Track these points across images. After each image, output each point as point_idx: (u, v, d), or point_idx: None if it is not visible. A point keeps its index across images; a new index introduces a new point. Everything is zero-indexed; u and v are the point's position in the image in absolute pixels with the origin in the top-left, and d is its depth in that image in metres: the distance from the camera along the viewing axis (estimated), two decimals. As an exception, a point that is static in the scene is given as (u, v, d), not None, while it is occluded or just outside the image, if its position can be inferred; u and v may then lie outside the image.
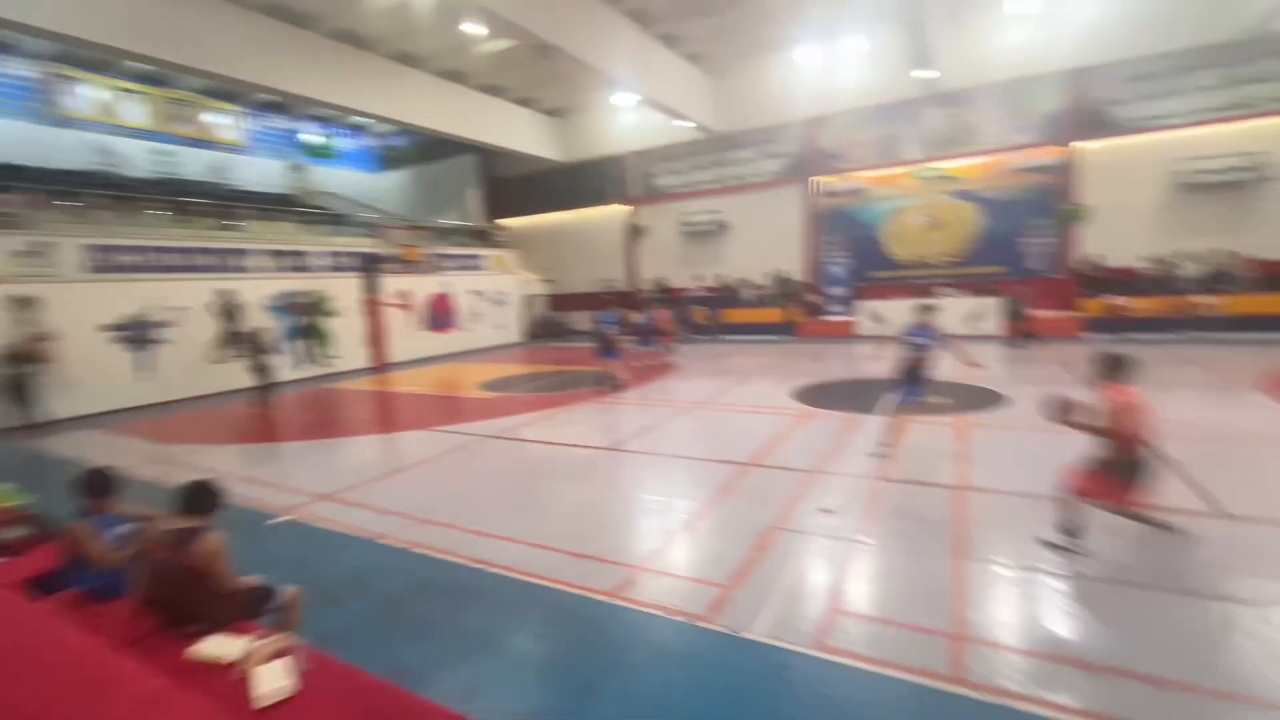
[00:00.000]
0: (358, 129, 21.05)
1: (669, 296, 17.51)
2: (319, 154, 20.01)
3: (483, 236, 19.05)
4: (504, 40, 12.57)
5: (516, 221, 20.96)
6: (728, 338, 15.87)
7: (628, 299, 18.45)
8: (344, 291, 13.30)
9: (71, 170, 13.33)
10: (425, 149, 21.03)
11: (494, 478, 5.63)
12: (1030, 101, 13.43)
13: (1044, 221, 13.63)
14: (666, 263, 18.46)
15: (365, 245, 14.40)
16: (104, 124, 14.92)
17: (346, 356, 13.25)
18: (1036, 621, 2.87)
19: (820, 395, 8.01)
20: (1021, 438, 5.94)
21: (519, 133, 18.04)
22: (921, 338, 5.69)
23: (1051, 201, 13.51)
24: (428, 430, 7.53)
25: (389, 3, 11.62)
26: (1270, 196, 11.64)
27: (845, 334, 14.40)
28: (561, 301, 20.30)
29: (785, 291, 15.98)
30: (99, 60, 13.99)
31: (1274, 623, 2.74)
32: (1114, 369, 3.50)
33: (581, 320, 19.47)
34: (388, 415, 9.33)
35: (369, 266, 13.80)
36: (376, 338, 13.76)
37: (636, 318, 12.72)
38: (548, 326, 19.55)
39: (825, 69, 14.85)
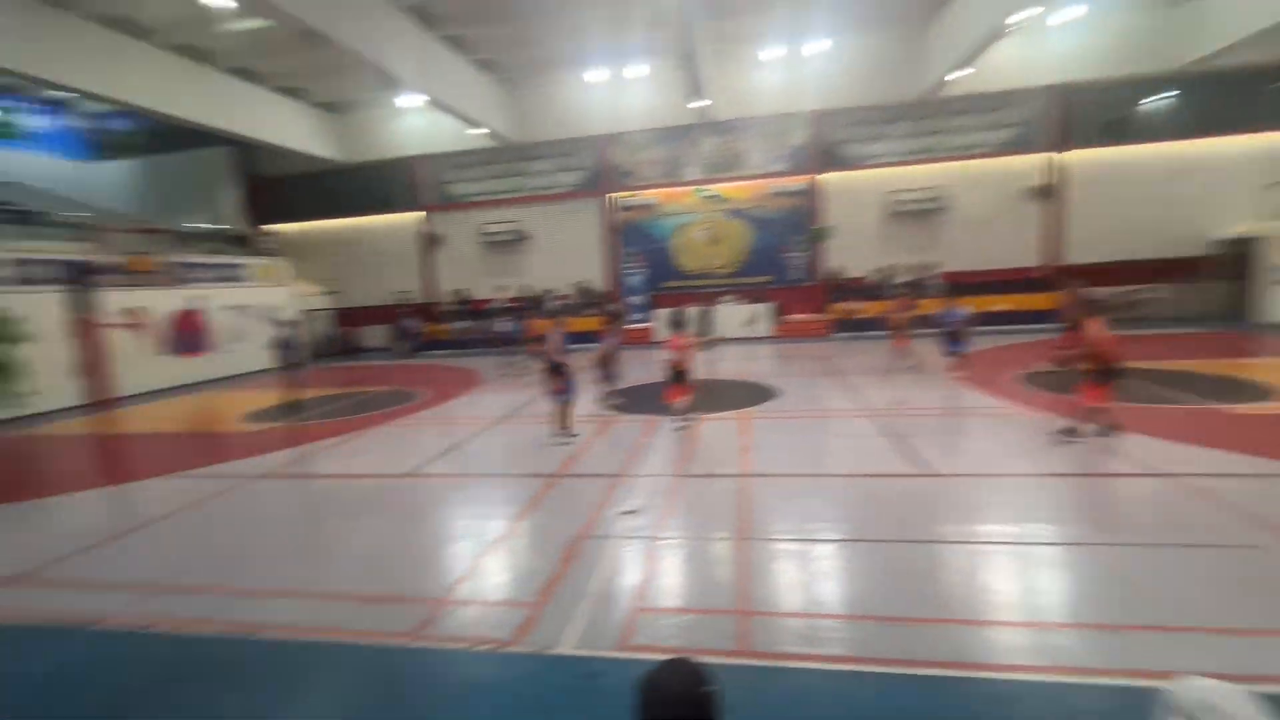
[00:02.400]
0: (55, 104, 16.72)
1: (472, 308, 16.89)
2: (3, 134, 15.49)
3: (244, 243, 16.42)
4: (257, 19, 10.98)
5: (288, 227, 18.45)
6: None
7: (426, 312, 17.38)
8: (39, 310, 10.43)
9: None
10: (160, 136, 17.34)
11: (264, 524, 4.86)
12: (784, 135, 15.65)
13: (799, 238, 15.98)
14: (468, 273, 17.78)
15: (72, 252, 11.47)
16: None
17: (47, 393, 10.39)
18: (806, 588, 3.31)
19: (622, 400, 8.36)
20: (791, 425, 6.86)
21: (285, 126, 15.95)
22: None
23: (804, 221, 15.90)
24: (173, 477, 6.23)
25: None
26: (949, 222, 15.11)
27: (645, 340, 15.27)
28: (349, 316, 18.39)
29: (589, 301, 16.42)
30: None
31: (970, 555, 3.52)
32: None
33: (374, 335, 17.86)
34: (115, 463, 7.53)
35: (79, 278, 11.04)
36: (93, 367, 11.05)
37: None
38: (332, 344, 17.57)
39: (614, 90, 15.71)
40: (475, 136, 16.14)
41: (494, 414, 8.35)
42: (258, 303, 14.81)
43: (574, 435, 6.61)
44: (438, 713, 2.51)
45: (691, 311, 11.77)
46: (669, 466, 5.51)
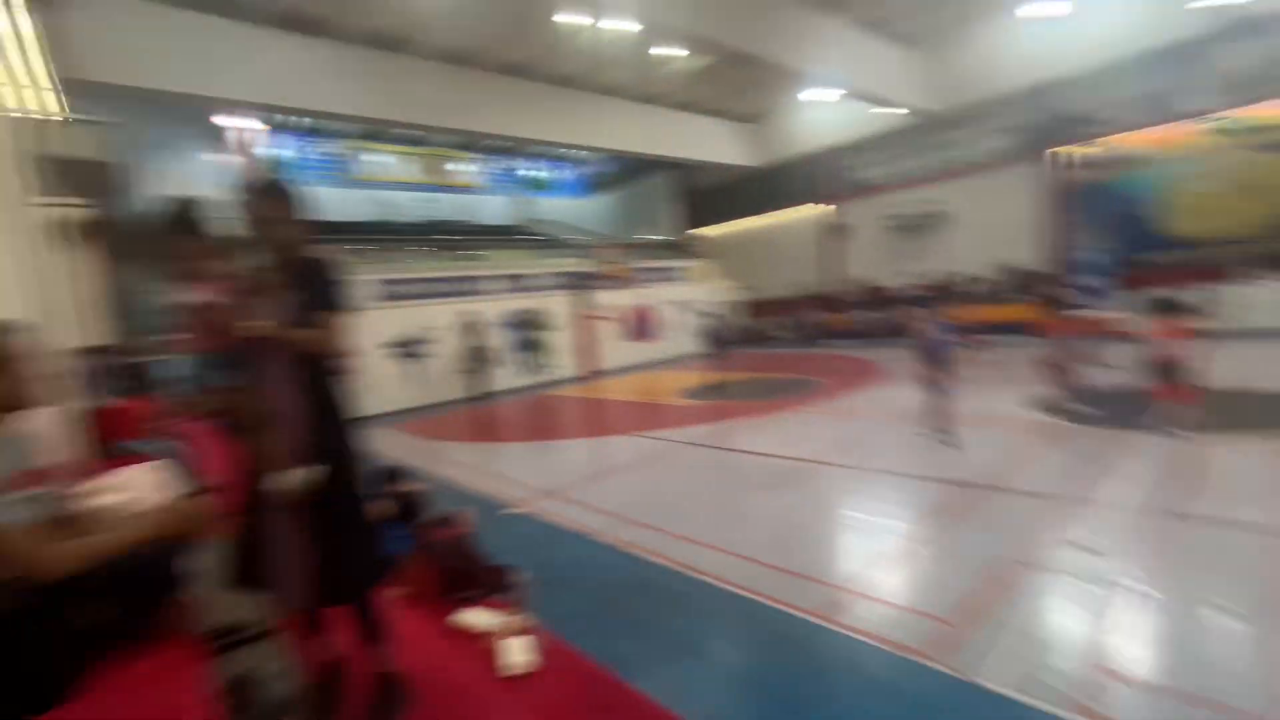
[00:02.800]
0: (570, 160, 23.39)
1: (874, 297, 16.34)
2: (539, 187, 22.66)
3: (681, 248, 19.77)
4: (697, 58, 12.97)
5: (713, 231, 21.36)
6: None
7: (828, 301, 17.66)
8: (560, 307, 14.84)
9: (360, 221, 16.94)
10: (627, 171, 22.58)
11: (696, 484, 5.79)
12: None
13: None
14: (872, 261, 17.24)
15: (577, 265, 15.90)
16: (382, 182, 18.70)
17: (562, 366, 14.75)
18: None
19: (1081, 406, 6.77)
20: (1397, 469, 4.36)
21: (712, 144, 18.41)
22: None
23: None
24: (632, 435, 8.03)
25: (589, 44, 12.73)
26: None
27: (1099, 332, 11.97)
28: (759, 307, 20.15)
29: (1019, 284, 13.84)
30: (378, 132, 17.62)
31: None
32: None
33: (780, 325, 19.14)
34: (597, 420, 10.15)
35: (580, 284, 15.19)
36: (586, 348, 15.07)
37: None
38: (746, 333, 19.54)
39: (1062, 21, 12.62)
40: (885, 118, 15.43)
41: (896, 408, 7.91)
42: (690, 298, 17.73)
43: (947, 434, 5.82)
44: (842, 697, 2.55)
45: (1190, 293, 8.68)
46: (1151, 496, 4.22)
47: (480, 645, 2.16)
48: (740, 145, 19.16)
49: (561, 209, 22.89)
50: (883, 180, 16.91)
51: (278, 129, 15.91)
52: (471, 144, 19.75)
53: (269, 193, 1.69)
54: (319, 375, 1.71)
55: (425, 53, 12.17)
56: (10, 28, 5.42)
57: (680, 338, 17.40)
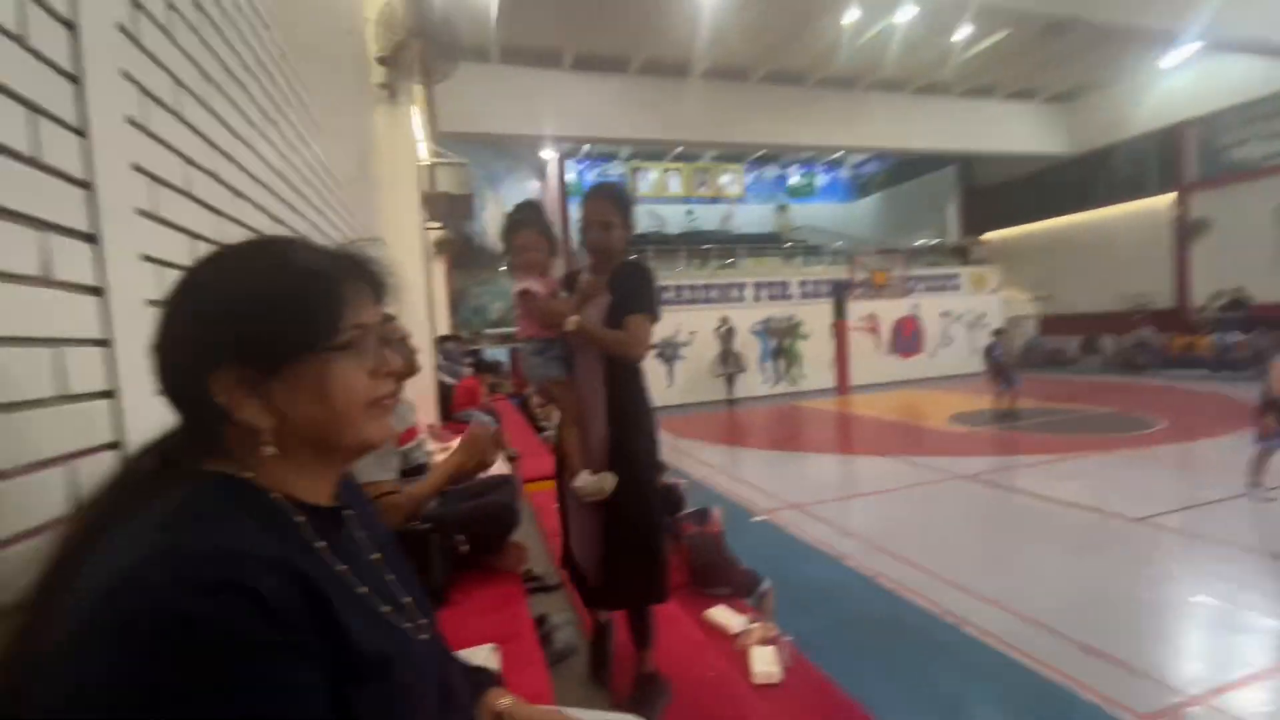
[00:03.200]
0: (834, 164, 22.50)
1: (1248, 315, 12.28)
2: (800, 193, 22.29)
3: (959, 254, 17.51)
4: (999, 37, 11.31)
5: (999, 234, 18.43)
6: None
7: (1169, 319, 13.81)
8: (814, 316, 14.38)
9: (638, 234, 18.72)
10: (897, 171, 20.82)
11: (962, 523, 5.08)
12: None
13: None
14: (1249, 268, 12.96)
15: (836, 273, 15.22)
16: (657, 197, 20.40)
17: (812, 376, 14.27)
18: None
19: None
20: None
21: (1010, 132, 15.81)
22: None
23: None
24: (886, 457, 7.38)
25: (869, 42, 12.02)
26: None
27: None
28: (1055, 324, 16.77)
29: None
30: (656, 152, 19.26)
31: None
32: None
33: (1090, 346, 15.64)
34: (848, 436, 9.58)
35: (838, 292, 14.53)
36: (840, 360, 14.34)
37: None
38: (1036, 353, 16.46)
39: None
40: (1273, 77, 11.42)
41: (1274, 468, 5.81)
42: (966, 310, 15.61)
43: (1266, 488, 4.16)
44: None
45: None
46: None
47: (731, 647, 2.22)
48: (1045, 131, 16.10)
49: (823, 214, 22.13)
50: (1269, 160, 12.58)
51: (575, 157, 18.55)
52: (740, 156, 20.36)
53: (607, 195, 1.80)
54: (624, 376, 1.74)
55: (700, 73, 12.93)
56: (424, 98, 7.35)
57: (952, 354, 15.46)
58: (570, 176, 18.04)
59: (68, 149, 0.77)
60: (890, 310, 15.07)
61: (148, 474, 0.56)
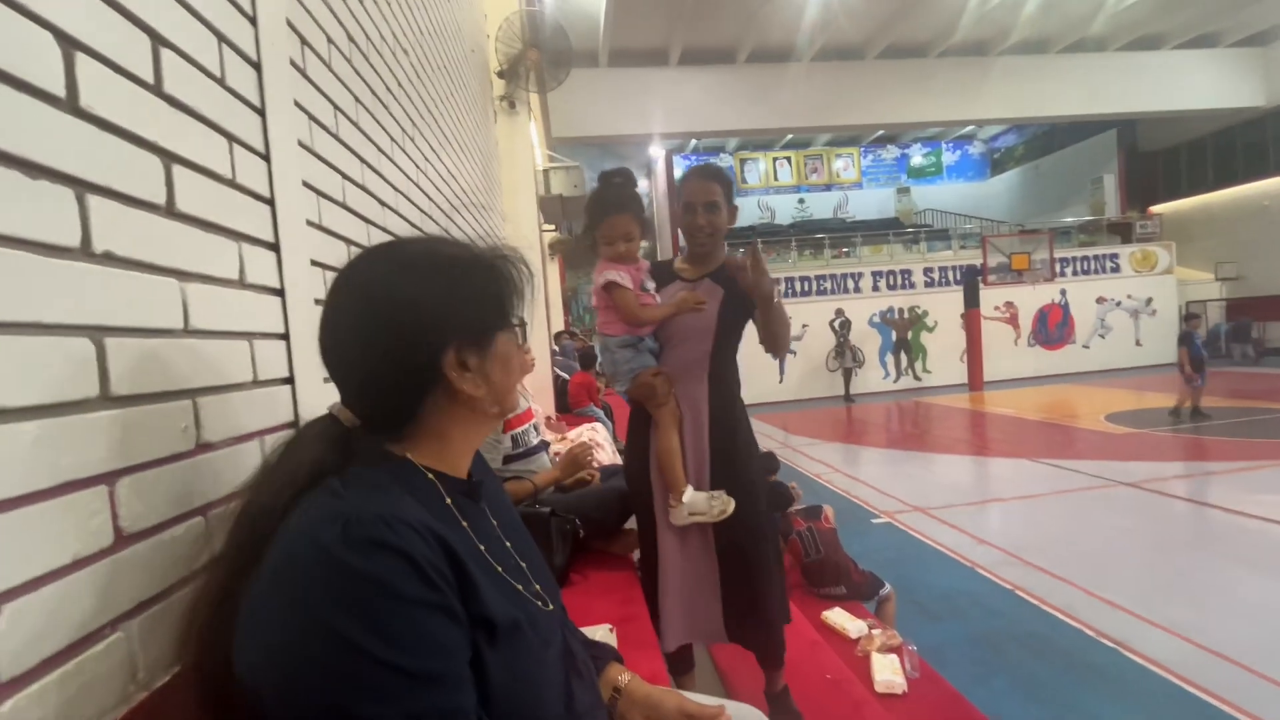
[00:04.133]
0: (964, 139, 20.63)
1: None
2: (924, 174, 20.69)
3: (1120, 230, 15.38)
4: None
5: (1172, 206, 15.93)
6: None
7: None
8: (942, 306, 13.31)
9: (746, 226, 18.38)
10: (1041, 141, 18.64)
11: (1123, 536, 4.47)
12: None
13: None
14: None
15: (967, 258, 13.97)
16: (765, 188, 19.89)
17: (941, 371, 13.23)
18: None
19: None
20: None
21: (1186, 87, 13.59)
22: None
23: None
24: (1029, 460, 6.67)
25: (1002, 3, 10.88)
26: None
27: None
28: (1248, 307, 14.19)
29: None
30: (765, 141, 18.77)
31: None
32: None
33: (1292, 335, 13.12)
34: (981, 436, 8.78)
35: (970, 279, 13.34)
36: (973, 353, 13.17)
37: None
38: (1229, 341, 14.02)
39: None
40: None
41: None
42: (1128, 293, 13.69)
43: None
44: None
45: None
46: None
47: (852, 652, 2.13)
48: (1232, 82, 13.64)
49: (951, 196, 20.39)
50: None
51: (682, 152, 18.57)
52: (855, 139, 19.32)
53: (712, 175, 1.63)
54: (730, 378, 1.62)
55: (810, 56, 12.41)
56: (539, 106, 7.75)
57: (1108, 345, 13.65)
58: (678, 172, 18.11)
59: (257, 171, 0.90)
60: (1033, 298, 13.58)
61: (330, 456, 0.62)
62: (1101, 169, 17.10)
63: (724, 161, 19.43)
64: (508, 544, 0.71)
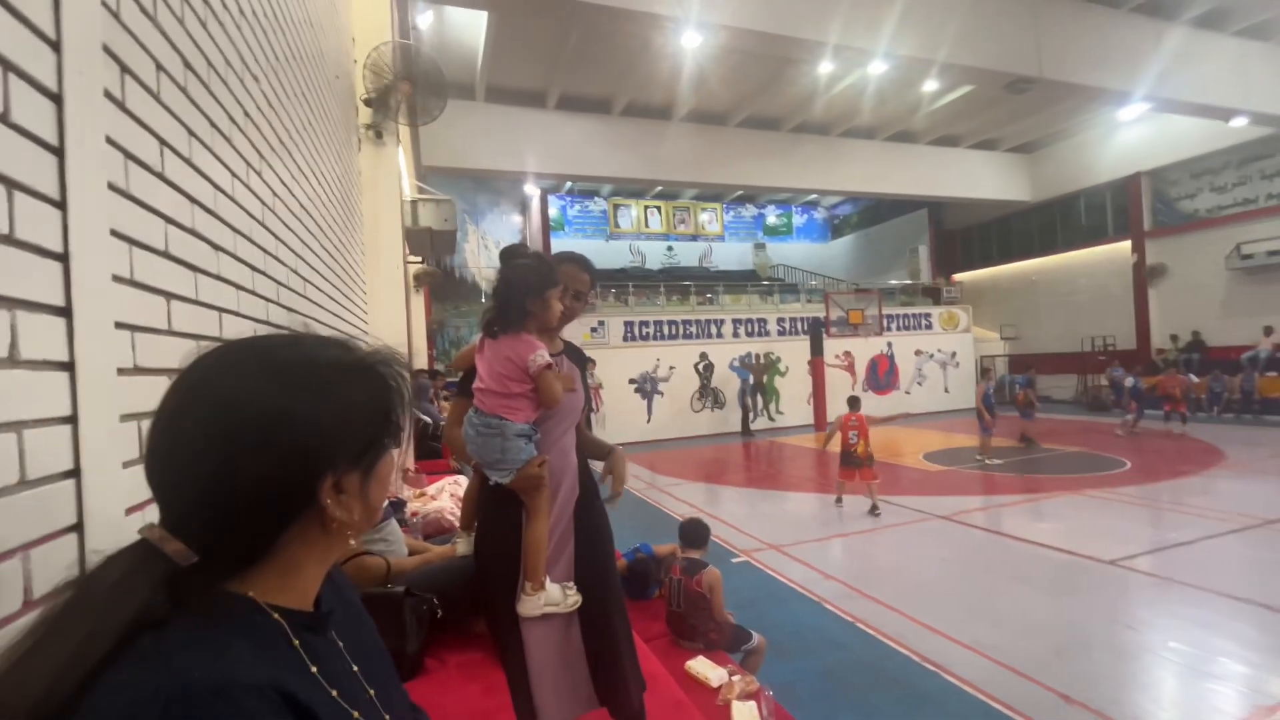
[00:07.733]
0: (809, 205, 23.11)
1: (1204, 357, 12.77)
2: (777, 232, 22.80)
3: (931, 294, 17.99)
4: (959, 91, 11.90)
5: (969, 276, 19.04)
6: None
7: (1135, 359, 14.29)
8: (792, 353, 14.56)
9: (616, 269, 18.89)
10: (871, 213, 21.49)
11: (939, 565, 5.09)
12: None
13: None
14: (1202, 312, 13.58)
15: (814, 310, 15.50)
16: (637, 233, 20.67)
17: (790, 413, 14.36)
18: None
19: None
20: None
21: (977, 180, 16.54)
22: None
23: None
24: (865, 496, 7.40)
25: (843, 92, 12.51)
26: None
27: None
28: (1024, 363, 17.16)
29: None
30: (637, 189, 19.61)
31: None
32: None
33: (1057, 385, 16.06)
34: (825, 474, 9.59)
35: (814, 330, 14.76)
36: (818, 397, 14.48)
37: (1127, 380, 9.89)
38: (1006, 393, 16.79)
39: None
40: (1218, 132, 12.20)
41: (1243, 506, 5.97)
42: (936, 348, 15.97)
43: None
44: None
45: None
46: None
47: (712, 700, 2.17)
48: (1008, 179, 16.87)
49: (799, 254, 22.62)
50: (1217, 211, 13.31)
51: (557, 192, 18.77)
52: (719, 195, 20.81)
53: (589, 268, 1.77)
54: (583, 455, 1.62)
55: (681, 116, 13.29)
56: (409, 136, 7.41)
57: (925, 391, 15.76)
58: (553, 211, 18.23)
59: (46, 221, 0.75)
60: (865, 348, 15.34)
61: (153, 603, 0.49)
62: (917, 240, 20.07)
63: (598, 204, 19.98)
64: (355, 669, 0.63)
